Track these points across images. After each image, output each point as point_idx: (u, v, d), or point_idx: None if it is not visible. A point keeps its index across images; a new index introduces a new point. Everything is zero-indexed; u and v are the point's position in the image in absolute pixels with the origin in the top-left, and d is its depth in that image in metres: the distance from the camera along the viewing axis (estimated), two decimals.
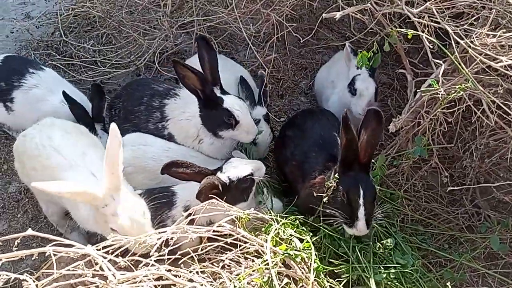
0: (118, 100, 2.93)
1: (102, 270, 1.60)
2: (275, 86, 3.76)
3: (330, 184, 2.15)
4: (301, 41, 3.40)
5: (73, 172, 2.27)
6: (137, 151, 2.67)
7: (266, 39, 3.65)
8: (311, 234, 2.26)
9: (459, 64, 2.36)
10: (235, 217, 2.06)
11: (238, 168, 2.34)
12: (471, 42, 2.40)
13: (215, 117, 2.56)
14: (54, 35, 3.84)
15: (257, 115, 2.95)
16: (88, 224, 2.25)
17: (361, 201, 2.07)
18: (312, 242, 2.19)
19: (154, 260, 1.81)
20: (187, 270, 1.79)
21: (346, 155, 2.11)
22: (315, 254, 2.09)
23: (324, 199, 2.18)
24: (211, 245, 1.96)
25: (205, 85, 2.49)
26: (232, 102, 2.55)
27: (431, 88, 2.42)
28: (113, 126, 2.01)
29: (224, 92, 2.61)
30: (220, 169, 2.35)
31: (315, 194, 2.26)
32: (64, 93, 2.82)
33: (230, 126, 2.55)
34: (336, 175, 2.16)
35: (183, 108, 2.71)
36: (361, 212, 2.07)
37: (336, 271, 2.13)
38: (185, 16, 3.42)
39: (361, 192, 2.07)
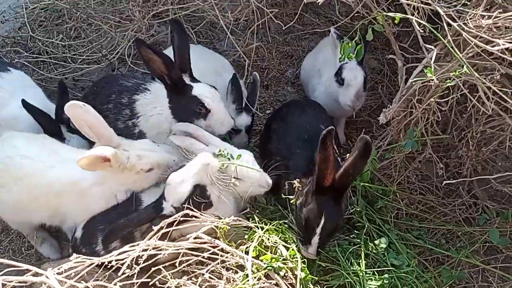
0: (85, 100, 2.70)
1: None
2: (259, 76, 3.56)
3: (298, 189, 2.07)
4: (284, 28, 3.21)
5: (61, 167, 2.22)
6: None
7: (249, 26, 3.44)
8: None
9: (452, 48, 2.17)
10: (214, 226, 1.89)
11: (177, 188, 1.98)
12: (465, 24, 2.20)
13: (183, 106, 2.39)
14: (21, 30, 3.61)
15: (240, 124, 2.77)
16: (99, 205, 2.25)
17: (318, 230, 1.97)
18: None
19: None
20: None
21: (320, 176, 1.94)
22: (303, 262, 1.95)
23: (293, 201, 2.12)
24: (188, 259, 1.80)
25: (171, 70, 2.32)
26: (202, 89, 2.38)
27: (422, 78, 2.23)
28: (71, 103, 2.11)
29: (194, 80, 2.43)
30: (163, 196, 2.04)
31: (283, 196, 2.15)
32: (23, 101, 2.54)
33: (200, 115, 2.38)
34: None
35: (154, 103, 2.52)
36: (315, 240, 1.99)
37: (322, 280, 1.99)
38: (158, 5, 3.19)
39: (322, 222, 1.95)
